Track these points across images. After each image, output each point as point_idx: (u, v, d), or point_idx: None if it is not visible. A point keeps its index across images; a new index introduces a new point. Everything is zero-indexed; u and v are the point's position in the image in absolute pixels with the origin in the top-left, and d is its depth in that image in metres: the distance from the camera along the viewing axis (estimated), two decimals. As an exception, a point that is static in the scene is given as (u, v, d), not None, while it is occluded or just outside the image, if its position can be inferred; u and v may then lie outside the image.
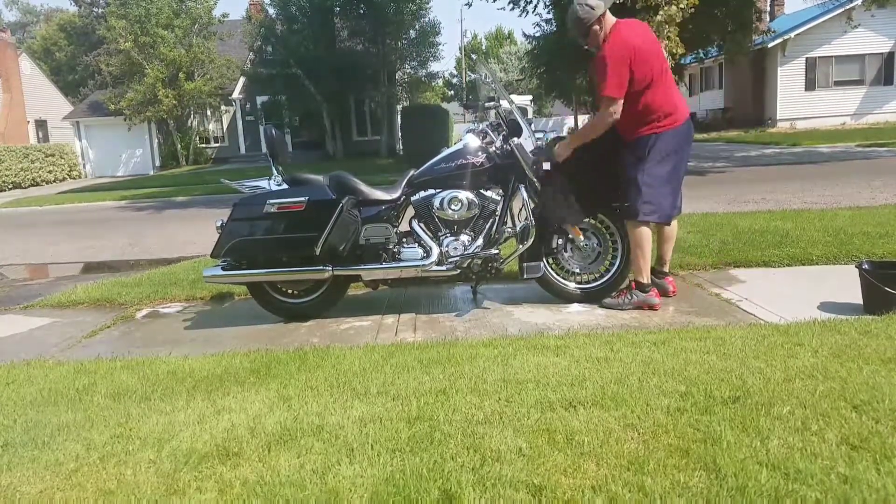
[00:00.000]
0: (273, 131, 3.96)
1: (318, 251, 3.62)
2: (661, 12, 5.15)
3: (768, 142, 18.09)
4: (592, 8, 3.47)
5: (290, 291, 3.98)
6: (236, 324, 3.97)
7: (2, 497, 1.93)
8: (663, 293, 3.82)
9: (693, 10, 5.20)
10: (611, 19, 3.53)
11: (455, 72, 54.19)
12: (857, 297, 3.40)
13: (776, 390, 2.26)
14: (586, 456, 1.90)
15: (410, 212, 3.96)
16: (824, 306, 3.47)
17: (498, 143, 3.82)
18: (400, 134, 23.28)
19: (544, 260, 3.89)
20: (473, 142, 3.84)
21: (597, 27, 3.51)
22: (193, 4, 26.37)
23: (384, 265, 3.82)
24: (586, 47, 3.67)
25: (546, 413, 2.21)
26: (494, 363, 2.74)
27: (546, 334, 3.22)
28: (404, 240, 3.92)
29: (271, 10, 24.94)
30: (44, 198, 16.88)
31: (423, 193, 3.87)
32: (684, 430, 2.02)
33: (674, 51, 5.21)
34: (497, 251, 3.80)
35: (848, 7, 20.62)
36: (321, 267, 3.73)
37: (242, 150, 27.21)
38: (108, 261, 7.08)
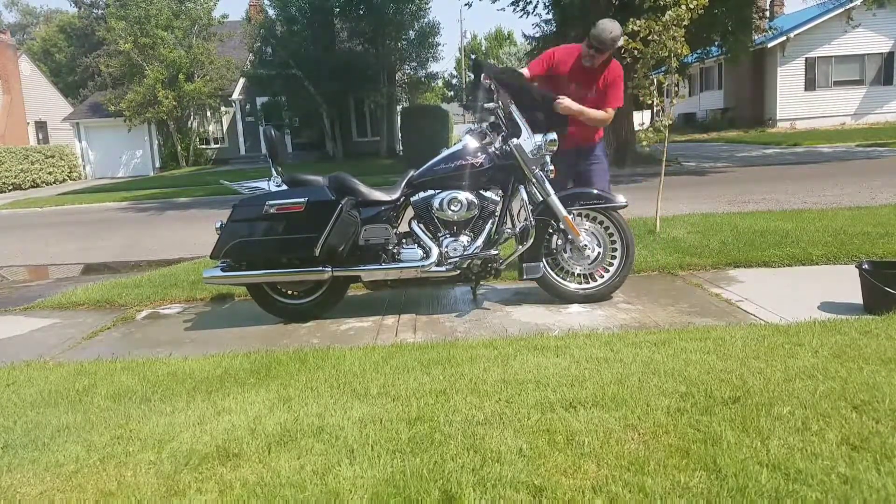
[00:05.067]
0: (272, 132, 3.96)
1: (317, 252, 3.62)
2: (668, 12, 5.12)
3: (769, 142, 18.11)
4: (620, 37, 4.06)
5: (289, 292, 3.97)
6: (236, 325, 3.97)
7: (2, 498, 1.93)
8: None
9: (702, 11, 5.16)
10: None
11: (455, 72, 54.20)
12: (857, 297, 3.40)
13: (776, 390, 2.26)
14: (587, 456, 1.90)
15: (410, 212, 3.96)
16: (824, 306, 3.47)
17: (497, 144, 3.82)
18: (400, 134, 23.28)
19: (544, 261, 3.90)
20: (473, 142, 3.84)
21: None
22: (193, 6, 26.39)
23: (384, 266, 3.82)
24: (588, 63, 4.08)
25: (546, 414, 2.21)
26: (494, 364, 2.74)
27: (546, 335, 3.22)
28: (404, 240, 3.92)
29: (271, 11, 24.94)
30: (44, 199, 16.88)
31: (422, 194, 3.87)
32: (684, 430, 2.02)
33: (679, 51, 5.18)
34: (497, 252, 3.80)
35: (848, 7, 20.62)
36: (321, 268, 3.73)
37: (242, 151, 27.21)
38: (108, 262, 7.08)
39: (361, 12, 23.46)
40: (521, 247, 3.79)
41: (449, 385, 2.52)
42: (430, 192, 3.85)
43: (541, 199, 3.83)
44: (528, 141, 3.76)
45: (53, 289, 5.50)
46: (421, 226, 3.88)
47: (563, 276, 3.95)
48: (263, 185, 3.85)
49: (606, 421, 2.12)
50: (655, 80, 5.52)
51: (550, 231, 3.89)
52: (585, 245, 3.86)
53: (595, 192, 3.93)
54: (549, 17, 17.91)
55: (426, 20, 24.94)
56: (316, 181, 3.81)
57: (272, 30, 24.09)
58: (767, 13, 22.90)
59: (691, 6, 5.10)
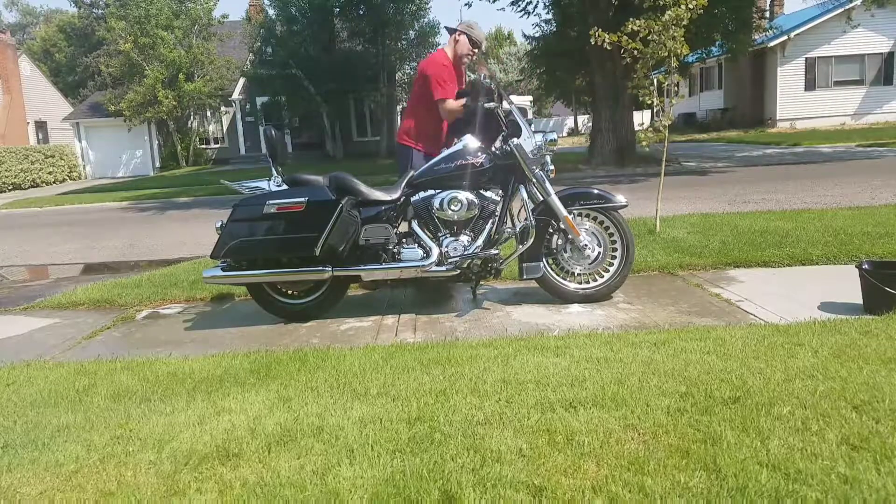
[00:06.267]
0: (273, 132, 3.96)
1: (317, 252, 3.62)
2: (668, 12, 5.11)
3: (769, 142, 18.11)
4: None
5: (289, 292, 3.97)
6: (236, 324, 3.97)
7: (2, 498, 1.93)
8: None
9: (701, 10, 5.16)
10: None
11: (455, 72, 54.07)
12: (857, 297, 3.40)
13: (776, 390, 2.26)
14: (586, 456, 1.90)
15: (410, 212, 3.96)
16: (824, 306, 3.47)
17: (497, 144, 3.83)
18: (400, 134, 23.18)
19: (544, 260, 3.90)
20: (473, 142, 3.84)
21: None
22: (193, 5, 26.40)
23: (384, 266, 3.82)
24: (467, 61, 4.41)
25: (546, 413, 2.21)
26: (494, 364, 2.73)
27: (546, 335, 3.22)
28: (404, 240, 3.92)
29: (271, 11, 24.98)
30: (44, 199, 16.88)
31: (422, 194, 3.87)
32: (684, 430, 2.02)
33: (678, 51, 5.17)
34: (497, 251, 3.80)
35: (848, 7, 20.63)
36: (321, 267, 3.73)
37: (242, 151, 27.21)
38: (108, 262, 7.08)
39: (361, 12, 23.49)
40: (521, 247, 3.79)
41: (449, 385, 2.52)
42: (431, 191, 3.85)
43: (541, 198, 3.83)
44: (529, 141, 3.77)
45: (53, 289, 5.50)
46: (421, 225, 3.88)
47: (564, 275, 3.95)
48: (263, 184, 3.85)
49: (606, 421, 2.12)
50: (655, 81, 5.51)
51: (551, 231, 3.89)
52: (585, 245, 3.86)
53: (595, 191, 3.93)
54: (549, 17, 17.94)
55: (426, 20, 24.98)
56: (316, 181, 3.81)
57: (272, 30, 24.10)
58: (767, 13, 22.91)
59: (690, 6, 5.09)
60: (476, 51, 4.36)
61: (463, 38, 4.31)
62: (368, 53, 24.20)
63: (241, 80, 26.30)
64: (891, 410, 2.05)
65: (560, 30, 17.45)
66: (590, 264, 3.92)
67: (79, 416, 2.50)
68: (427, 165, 3.90)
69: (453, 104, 4.12)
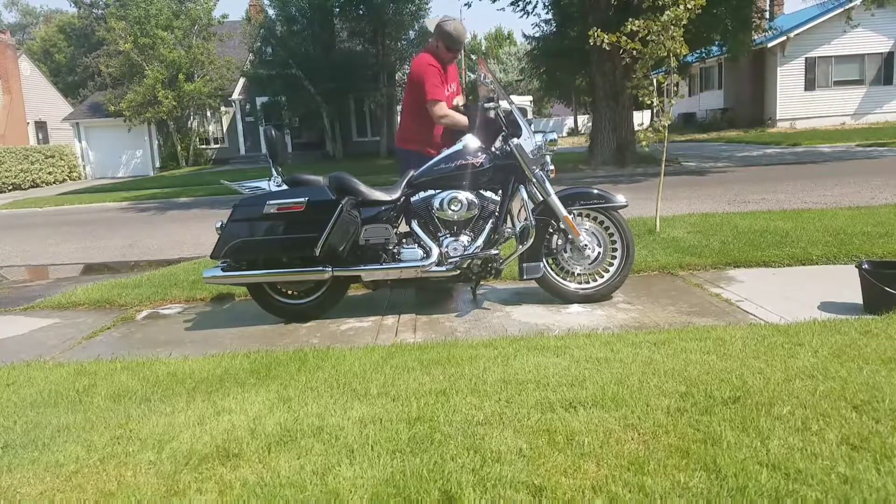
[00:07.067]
0: (273, 132, 3.96)
1: (317, 252, 3.62)
2: (667, 13, 5.12)
3: (769, 142, 18.11)
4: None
5: (289, 292, 3.97)
6: (236, 325, 3.97)
7: (2, 498, 1.93)
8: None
9: (700, 10, 5.17)
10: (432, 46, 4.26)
11: (455, 72, 54.08)
12: (857, 297, 3.40)
13: (776, 390, 2.26)
14: (586, 456, 1.90)
15: (410, 212, 3.96)
16: (824, 306, 3.47)
17: (497, 144, 3.83)
18: (400, 134, 23.18)
19: (544, 260, 3.90)
20: (473, 142, 3.84)
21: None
22: (193, 5, 26.42)
23: (384, 266, 3.82)
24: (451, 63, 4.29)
25: (546, 414, 2.21)
26: (494, 364, 2.74)
27: (546, 335, 3.22)
28: (404, 240, 3.92)
29: (271, 11, 24.99)
30: (43, 199, 16.88)
31: (422, 194, 3.87)
32: (684, 430, 2.02)
33: (677, 51, 5.18)
34: (497, 251, 3.80)
35: (847, 7, 20.64)
36: (321, 268, 3.73)
37: (242, 151, 27.22)
38: (108, 262, 7.08)
39: (361, 12, 23.50)
40: (521, 247, 3.79)
41: (449, 385, 2.52)
42: (431, 191, 3.85)
43: (541, 198, 3.84)
44: (529, 141, 3.77)
45: (53, 289, 5.49)
46: (421, 226, 3.88)
47: (564, 275, 3.95)
48: (263, 184, 3.85)
49: (606, 421, 2.12)
50: (655, 81, 5.52)
51: (551, 231, 3.89)
52: (586, 245, 3.86)
53: (595, 191, 3.93)
54: (549, 17, 17.96)
55: (426, 20, 24.97)
56: (316, 181, 3.81)
57: (272, 30, 24.12)
58: (767, 13, 22.91)
59: (689, 6, 5.10)
60: (457, 53, 4.29)
61: (441, 47, 4.18)
62: (368, 53, 24.22)
63: (241, 80, 26.31)
64: (891, 410, 2.05)
65: (560, 30, 17.48)
66: (590, 264, 3.92)
67: (79, 416, 2.50)
68: (427, 165, 3.90)
69: (455, 115, 4.10)
